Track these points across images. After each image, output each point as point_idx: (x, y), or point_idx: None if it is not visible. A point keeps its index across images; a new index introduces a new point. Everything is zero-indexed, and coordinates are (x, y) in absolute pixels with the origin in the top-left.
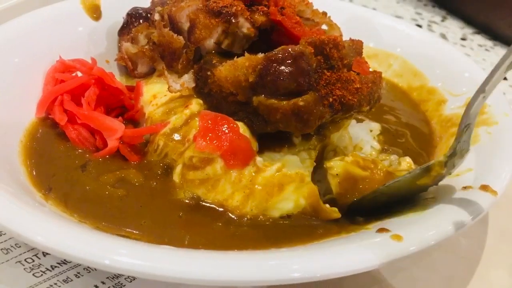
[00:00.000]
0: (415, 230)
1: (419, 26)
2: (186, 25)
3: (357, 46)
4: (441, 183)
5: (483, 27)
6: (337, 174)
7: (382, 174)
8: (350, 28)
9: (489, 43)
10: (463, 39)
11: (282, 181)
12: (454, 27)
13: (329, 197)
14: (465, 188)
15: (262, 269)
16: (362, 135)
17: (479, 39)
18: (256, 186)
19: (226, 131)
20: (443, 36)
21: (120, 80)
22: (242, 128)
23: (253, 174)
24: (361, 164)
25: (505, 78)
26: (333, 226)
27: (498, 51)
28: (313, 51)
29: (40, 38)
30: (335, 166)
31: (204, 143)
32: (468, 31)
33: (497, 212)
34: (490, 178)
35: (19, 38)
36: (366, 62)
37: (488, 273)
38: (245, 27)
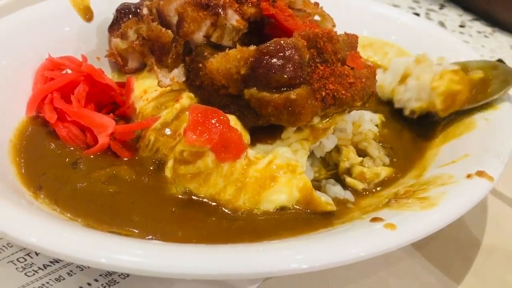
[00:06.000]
0: (409, 219)
1: (417, 14)
2: (174, 19)
3: (351, 40)
4: (435, 171)
5: (481, 13)
6: (442, 92)
7: (470, 84)
8: (344, 17)
9: (488, 29)
10: (461, 26)
11: (274, 173)
12: (453, 14)
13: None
14: (469, 176)
15: (261, 260)
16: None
17: (478, 26)
18: (248, 179)
19: (216, 124)
20: (442, 24)
21: (112, 77)
22: (233, 121)
23: (245, 167)
24: (456, 80)
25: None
26: (327, 218)
27: (498, 37)
28: (306, 44)
29: (30, 37)
30: (441, 85)
31: (194, 136)
32: (466, 18)
33: (496, 200)
34: (486, 164)
35: (7, 38)
36: (361, 57)
37: (487, 261)
38: (234, 19)
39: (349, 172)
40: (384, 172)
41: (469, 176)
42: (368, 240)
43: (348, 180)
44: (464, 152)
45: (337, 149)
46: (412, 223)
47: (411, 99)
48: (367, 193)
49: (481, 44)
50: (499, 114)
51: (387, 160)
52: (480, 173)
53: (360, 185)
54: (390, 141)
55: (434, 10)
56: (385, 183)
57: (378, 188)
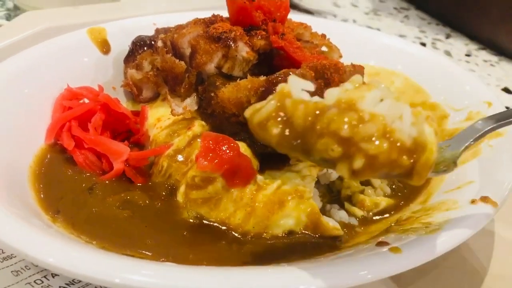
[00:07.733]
0: (413, 243)
1: (423, 44)
2: (187, 51)
3: (358, 71)
4: (440, 197)
5: (488, 42)
6: None
7: None
8: (350, 48)
9: (494, 58)
10: (467, 55)
11: (282, 198)
12: (459, 43)
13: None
14: (473, 201)
15: (269, 282)
16: None
17: (484, 55)
18: (257, 203)
19: (227, 151)
20: (448, 53)
21: (127, 106)
22: (243, 147)
23: (254, 192)
24: None
25: (509, 92)
26: (334, 242)
27: (504, 66)
28: (313, 75)
29: (49, 68)
30: None
31: (205, 162)
32: (472, 47)
33: (504, 224)
34: (490, 189)
35: (29, 69)
36: None
37: (495, 286)
38: (244, 51)
39: (350, 199)
40: (384, 202)
41: (473, 201)
42: (374, 263)
43: (348, 206)
44: (469, 178)
45: (340, 176)
46: (416, 247)
47: None
48: (374, 218)
49: (487, 72)
50: (503, 141)
51: (388, 190)
52: (484, 199)
53: (359, 213)
54: None
55: (440, 39)
56: (390, 210)
57: (379, 217)
